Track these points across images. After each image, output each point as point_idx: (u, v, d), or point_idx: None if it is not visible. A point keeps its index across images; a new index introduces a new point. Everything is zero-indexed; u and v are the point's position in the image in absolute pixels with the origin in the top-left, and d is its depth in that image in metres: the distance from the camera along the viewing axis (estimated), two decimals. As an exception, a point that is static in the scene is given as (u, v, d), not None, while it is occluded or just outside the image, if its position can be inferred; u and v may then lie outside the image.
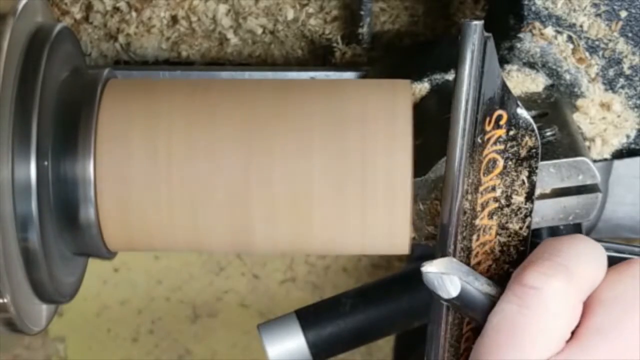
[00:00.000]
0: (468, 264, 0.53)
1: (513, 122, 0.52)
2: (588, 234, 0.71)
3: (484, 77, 0.50)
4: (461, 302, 0.50)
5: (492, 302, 0.51)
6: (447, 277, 0.50)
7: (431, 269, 0.50)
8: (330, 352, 0.73)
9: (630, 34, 0.61)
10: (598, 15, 0.61)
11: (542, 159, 0.55)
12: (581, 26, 0.61)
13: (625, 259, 0.70)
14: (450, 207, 0.52)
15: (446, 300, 0.51)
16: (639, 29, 0.61)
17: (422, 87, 0.62)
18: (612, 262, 0.69)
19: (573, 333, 0.50)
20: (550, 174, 0.57)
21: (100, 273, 1.45)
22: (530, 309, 0.49)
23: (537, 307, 0.49)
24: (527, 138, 0.52)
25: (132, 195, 0.54)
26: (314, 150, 0.53)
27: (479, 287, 0.51)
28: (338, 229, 0.54)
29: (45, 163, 0.53)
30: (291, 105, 0.54)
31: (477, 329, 0.53)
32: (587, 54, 0.62)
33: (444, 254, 0.52)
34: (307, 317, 0.72)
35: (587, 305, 0.50)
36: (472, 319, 0.52)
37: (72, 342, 1.49)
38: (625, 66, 0.62)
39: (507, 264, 0.54)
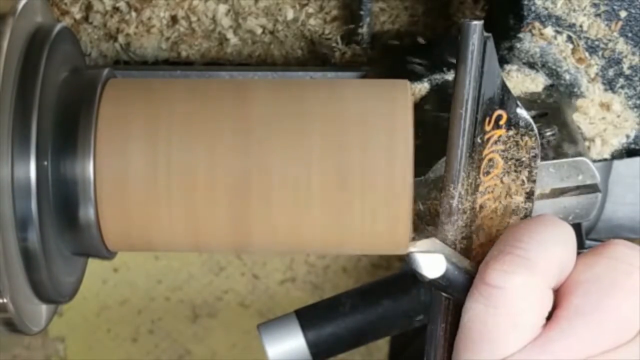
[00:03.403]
0: (468, 264, 0.53)
1: (513, 122, 0.52)
2: (588, 234, 0.72)
3: (484, 77, 0.50)
4: (446, 282, 0.50)
5: None
6: (432, 256, 0.50)
7: (416, 248, 0.50)
8: (330, 352, 0.73)
9: (630, 34, 0.61)
10: (598, 15, 0.61)
11: (542, 159, 0.55)
12: (581, 26, 0.61)
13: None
14: (449, 207, 0.52)
15: (431, 280, 0.50)
16: (639, 29, 0.61)
17: (422, 87, 0.62)
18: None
19: (551, 315, 0.49)
20: (550, 174, 0.57)
21: (100, 273, 1.45)
22: (497, 307, 0.48)
23: (503, 306, 0.48)
24: (527, 138, 0.52)
25: (132, 195, 0.54)
26: (314, 151, 0.53)
27: (463, 267, 0.51)
28: (338, 229, 0.54)
29: (45, 163, 0.53)
30: (291, 105, 0.54)
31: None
32: (586, 54, 0.62)
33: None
34: (307, 317, 0.72)
35: (565, 287, 0.50)
36: (457, 299, 0.51)
37: (72, 342, 1.48)
38: (625, 66, 0.62)
39: (507, 264, 0.54)
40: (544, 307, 0.49)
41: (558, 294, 0.50)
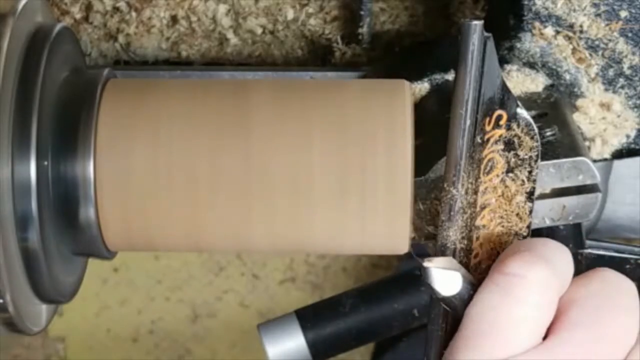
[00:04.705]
0: (468, 263, 0.53)
1: (513, 122, 0.52)
2: (588, 234, 0.72)
3: (484, 77, 0.50)
4: (459, 301, 0.50)
5: None
6: (449, 273, 0.50)
7: (433, 264, 0.50)
8: (330, 352, 0.73)
9: (630, 34, 0.61)
10: (598, 15, 0.61)
11: (542, 159, 0.55)
12: (581, 26, 0.61)
13: (625, 259, 0.70)
14: (450, 207, 0.52)
15: (443, 297, 0.50)
16: (639, 28, 0.61)
17: (422, 87, 0.62)
18: (612, 262, 0.69)
19: (547, 332, 0.50)
20: (550, 174, 0.57)
21: (100, 273, 1.45)
22: (514, 296, 0.48)
23: (521, 295, 0.48)
24: (527, 138, 0.52)
25: (132, 195, 0.54)
26: (314, 151, 0.53)
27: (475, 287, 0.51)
28: (338, 229, 0.54)
29: (45, 163, 0.53)
30: (291, 105, 0.54)
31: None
32: (587, 53, 0.62)
33: (444, 254, 0.52)
34: (307, 317, 0.73)
35: (560, 305, 0.50)
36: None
37: (72, 342, 1.48)
38: (625, 66, 0.62)
39: (507, 264, 0.54)
40: (551, 314, 0.49)
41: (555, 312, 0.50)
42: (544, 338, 0.50)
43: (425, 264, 0.50)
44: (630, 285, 0.51)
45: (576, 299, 0.50)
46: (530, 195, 0.53)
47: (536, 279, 0.49)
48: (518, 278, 0.49)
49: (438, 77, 0.62)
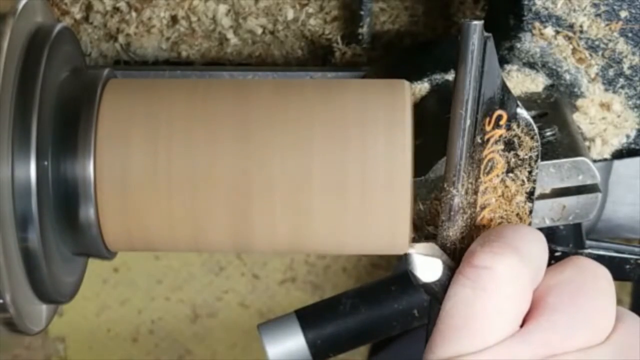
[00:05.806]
0: (468, 263, 0.53)
1: (513, 122, 0.52)
2: (588, 234, 0.72)
3: (484, 77, 0.50)
4: (439, 288, 0.50)
5: None
6: (430, 260, 0.50)
7: (414, 250, 0.51)
8: (330, 352, 0.73)
9: (630, 34, 0.61)
10: (598, 15, 0.61)
11: (542, 159, 0.55)
12: (581, 26, 0.61)
13: (625, 259, 0.70)
14: (450, 207, 0.52)
15: (424, 283, 0.50)
16: (639, 28, 0.61)
17: (422, 87, 0.62)
18: (612, 262, 0.70)
19: (524, 320, 0.50)
20: (550, 174, 0.57)
21: (100, 273, 1.45)
22: (485, 290, 0.48)
23: (491, 287, 0.48)
24: (527, 138, 0.52)
25: (132, 195, 0.54)
26: (314, 150, 0.53)
27: None
28: (338, 229, 0.54)
29: (45, 163, 0.53)
30: (291, 105, 0.54)
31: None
32: (587, 54, 0.62)
33: (444, 252, 0.52)
34: (307, 317, 0.73)
35: (537, 293, 0.50)
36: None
37: (72, 342, 1.49)
38: (625, 66, 0.62)
39: (507, 264, 0.54)
40: (525, 302, 0.49)
41: (532, 300, 0.50)
42: (523, 325, 0.50)
43: (407, 250, 0.50)
44: (605, 270, 0.51)
45: (552, 285, 0.50)
46: (530, 195, 0.53)
47: (505, 271, 0.48)
48: (487, 270, 0.48)
49: (438, 77, 0.62)
